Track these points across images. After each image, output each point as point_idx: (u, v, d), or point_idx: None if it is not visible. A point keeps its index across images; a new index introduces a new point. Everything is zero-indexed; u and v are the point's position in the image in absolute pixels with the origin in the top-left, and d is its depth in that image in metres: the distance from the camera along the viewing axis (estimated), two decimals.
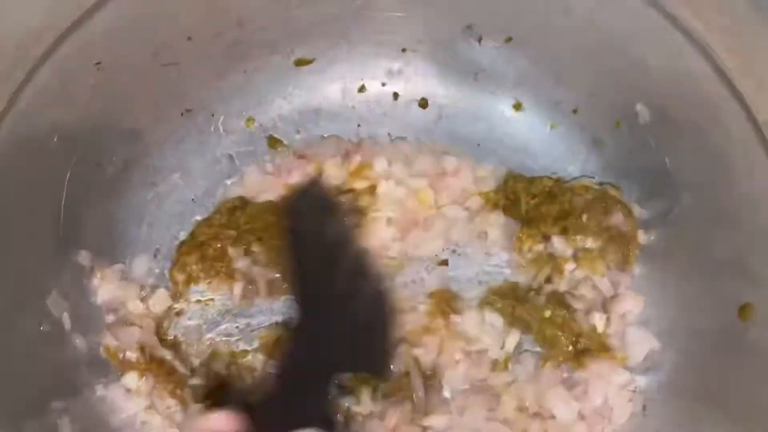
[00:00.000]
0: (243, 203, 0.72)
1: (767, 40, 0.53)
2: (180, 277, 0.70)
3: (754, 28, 0.54)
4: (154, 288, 0.70)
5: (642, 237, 0.69)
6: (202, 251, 0.70)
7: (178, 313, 0.69)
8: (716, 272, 0.62)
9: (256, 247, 0.70)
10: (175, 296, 0.69)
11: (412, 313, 0.69)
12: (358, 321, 0.62)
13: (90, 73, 0.61)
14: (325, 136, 0.76)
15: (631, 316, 0.68)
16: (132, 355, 0.65)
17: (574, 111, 0.73)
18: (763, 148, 0.56)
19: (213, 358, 0.67)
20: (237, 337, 0.69)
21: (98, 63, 0.61)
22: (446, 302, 0.69)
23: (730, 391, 0.59)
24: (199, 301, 0.70)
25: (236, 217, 0.71)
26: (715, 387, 0.61)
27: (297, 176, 0.73)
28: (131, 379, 0.65)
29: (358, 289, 0.64)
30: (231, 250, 0.70)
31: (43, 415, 0.57)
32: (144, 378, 0.64)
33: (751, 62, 0.55)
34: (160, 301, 0.69)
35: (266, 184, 0.73)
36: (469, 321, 0.68)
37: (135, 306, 0.68)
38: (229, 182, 0.74)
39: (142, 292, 0.69)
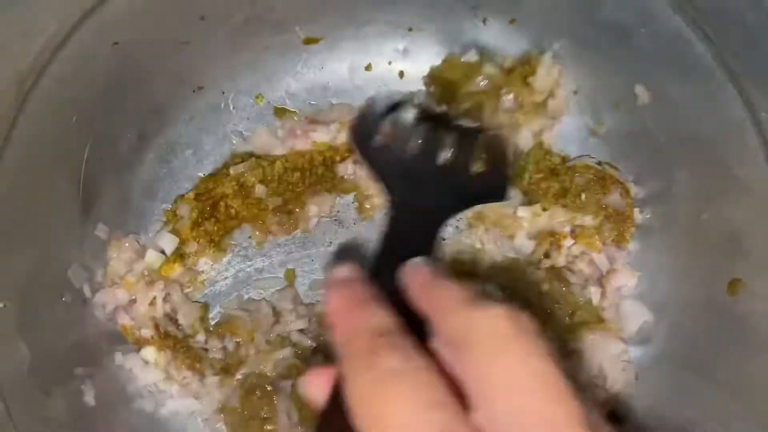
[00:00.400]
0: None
1: (765, 27, 0.55)
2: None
3: (752, 14, 0.56)
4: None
5: (638, 215, 0.72)
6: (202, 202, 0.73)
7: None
8: (708, 249, 0.65)
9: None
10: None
11: None
12: None
13: (108, 53, 0.62)
14: (334, 103, 0.78)
15: (625, 289, 0.71)
16: (147, 332, 0.68)
17: (575, 92, 0.75)
18: (756, 132, 0.58)
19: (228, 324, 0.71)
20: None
21: (116, 43, 0.63)
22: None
23: (719, 361, 0.62)
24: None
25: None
26: (705, 357, 0.65)
27: (307, 140, 0.76)
28: (148, 353, 0.67)
29: None
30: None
31: (68, 381, 0.60)
32: (161, 352, 0.67)
33: (750, 48, 0.57)
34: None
35: (275, 143, 0.76)
36: None
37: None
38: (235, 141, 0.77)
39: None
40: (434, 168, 0.59)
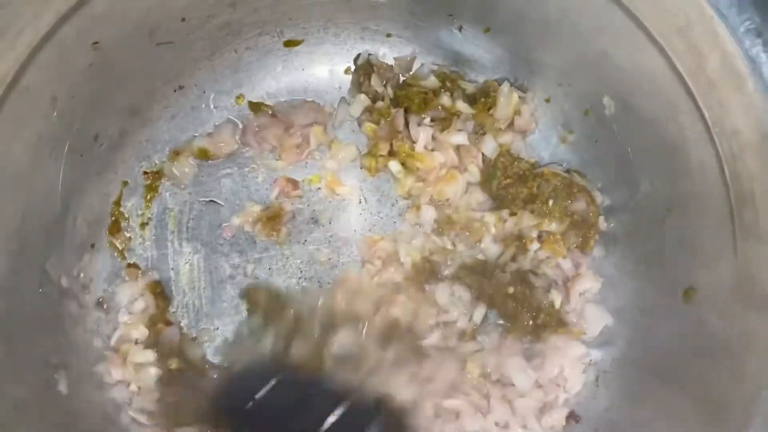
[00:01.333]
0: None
1: (715, 42, 0.57)
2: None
3: (705, 28, 0.58)
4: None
5: (602, 223, 0.74)
6: None
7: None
8: (667, 257, 0.67)
9: None
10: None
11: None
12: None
13: (88, 53, 0.64)
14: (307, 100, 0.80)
15: (589, 294, 0.74)
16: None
17: (547, 100, 0.77)
18: (712, 146, 0.60)
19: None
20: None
21: (96, 43, 0.64)
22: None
23: (678, 366, 0.64)
24: None
25: None
26: (663, 361, 0.67)
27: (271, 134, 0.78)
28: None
29: None
30: None
31: (42, 369, 0.62)
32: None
33: (703, 63, 0.58)
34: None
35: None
36: (440, 293, 0.74)
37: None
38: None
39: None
40: None
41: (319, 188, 0.78)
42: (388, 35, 0.79)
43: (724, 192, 0.60)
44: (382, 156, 0.76)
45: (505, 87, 0.76)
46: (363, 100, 0.79)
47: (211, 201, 0.78)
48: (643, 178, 0.70)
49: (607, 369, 0.72)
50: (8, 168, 0.59)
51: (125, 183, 0.76)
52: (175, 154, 0.78)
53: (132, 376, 0.69)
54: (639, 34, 0.63)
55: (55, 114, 0.64)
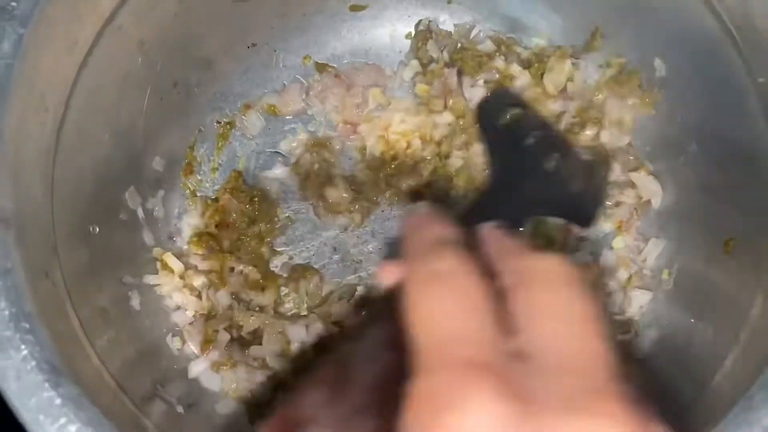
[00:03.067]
0: None
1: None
2: None
3: None
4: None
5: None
6: None
7: None
8: (711, 211, 0.69)
9: None
10: None
11: None
12: None
13: (174, 3, 0.71)
14: (368, 63, 0.85)
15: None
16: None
17: (600, 66, 0.80)
18: (761, 106, 0.62)
19: None
20: None
21: None
22: None
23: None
24: None
25: None
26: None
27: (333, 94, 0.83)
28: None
29: None
30: None
31: (118, 286, 0.69)
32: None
33: (752, 23, 0.60)
34: None
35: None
36: None
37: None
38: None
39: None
40: (539, 168, 0.62)
41: None
42: (449, 2, 0.84)
43: None
44: (436, 111, 0.80)
45: (558, 52, 0.79)
46: (415, 65, 0.83)
47: (276, 152, 0.83)
48: (691, 137, 0.72)
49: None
50: (99, 99, 0.65)
51: (199, 130, 0.82)
52: (246, 107, 0.83)
53: (190, 302, 0.74)
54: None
55: (140, 58, 0.71)
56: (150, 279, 0.73)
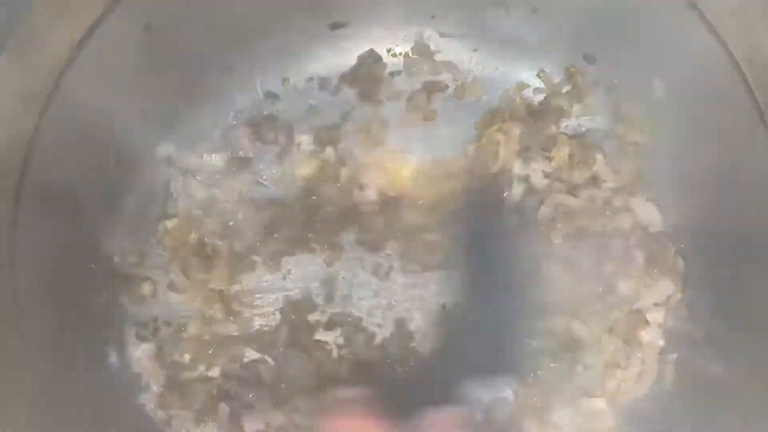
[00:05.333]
0: None
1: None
2: None
3: (760, 9, 0.56)
4: None
5: None
6: None
7: None
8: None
9: None
10: None
11: None
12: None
13: (139, 33, 0.66)
14: None
15: None
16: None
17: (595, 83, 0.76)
18: (765, 129, 0.59)
19: None
20: None
21: (147, 24, 0.67)
22: None
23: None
24: None
25: None
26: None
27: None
28: None
29: None
30: None
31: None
32: None
33: (756, 46, 0.57)
34: None
35: None
36: None
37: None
38: None
39: None
40: None
41: None
42: (433, 17, 0.79)
43: None
44: None
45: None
46: None
47: None
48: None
49: None
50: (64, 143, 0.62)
51: None
52: None
53: None
54: (691, 15, 0.62)
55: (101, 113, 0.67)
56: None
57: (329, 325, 0.73)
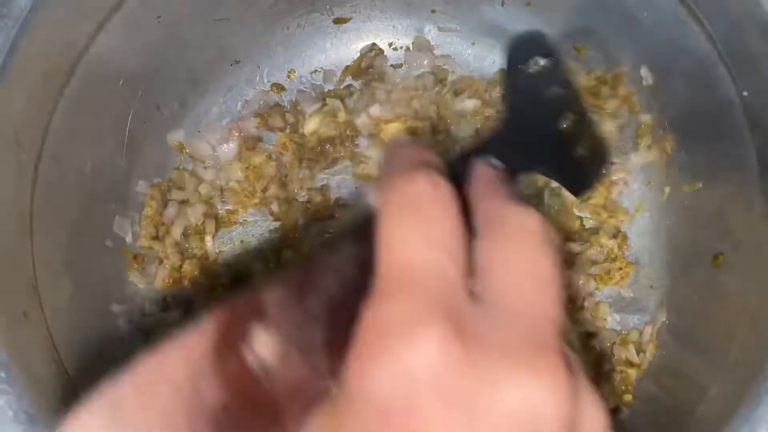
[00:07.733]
0: None
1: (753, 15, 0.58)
2: None
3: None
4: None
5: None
6: None
7: None
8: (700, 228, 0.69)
9: None
10: None
11: None
12: None
13: (152, 25, 0.70)
14: None
15: None
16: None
17: (588, 73, 0.79)
18: (746, 118, 0.61)
19: None
20: None
21: (159, 17, 0.70)
22: None
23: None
24: None
25: None
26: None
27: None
28: None
29: None
30: None
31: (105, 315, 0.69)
32: None
33: (739, 34, 0.59)
34: None
35: None
36: None
37: None
38: None
39: None
40: (551, 125, 0.58)
41: None
42: (433, 11, 0.82)
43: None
44: None
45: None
46: None
47: None
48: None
49: None
50: (79, 129, 0.65)
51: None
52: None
53: None
54: (680, 8, 0.64)
55: (121, 82, 0.70)
56: None
57: None
